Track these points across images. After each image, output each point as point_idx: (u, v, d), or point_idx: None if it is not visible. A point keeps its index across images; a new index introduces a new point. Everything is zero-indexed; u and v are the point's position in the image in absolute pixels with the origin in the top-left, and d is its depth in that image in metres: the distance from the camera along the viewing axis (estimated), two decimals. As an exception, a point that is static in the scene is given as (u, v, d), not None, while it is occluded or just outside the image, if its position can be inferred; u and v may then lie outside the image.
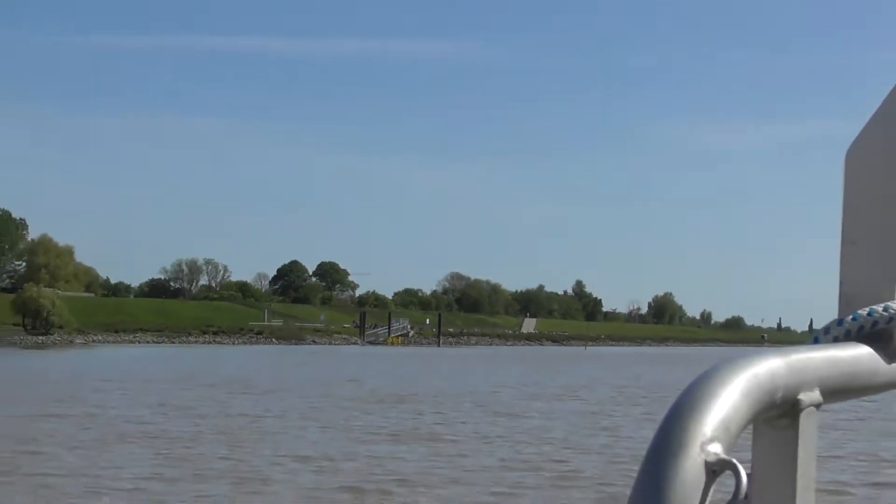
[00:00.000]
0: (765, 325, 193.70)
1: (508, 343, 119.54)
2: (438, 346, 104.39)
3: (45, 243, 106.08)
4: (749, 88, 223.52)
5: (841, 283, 1.24)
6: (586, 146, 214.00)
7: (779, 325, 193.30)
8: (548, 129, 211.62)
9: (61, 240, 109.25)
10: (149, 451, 19.70)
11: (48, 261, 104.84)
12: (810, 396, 1.01)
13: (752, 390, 0.91)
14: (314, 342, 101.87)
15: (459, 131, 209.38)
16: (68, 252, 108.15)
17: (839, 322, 1.18)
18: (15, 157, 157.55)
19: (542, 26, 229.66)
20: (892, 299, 1.21)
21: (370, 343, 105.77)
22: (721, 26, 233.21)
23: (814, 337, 1.18)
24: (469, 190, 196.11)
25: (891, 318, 1.18)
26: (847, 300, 1.23)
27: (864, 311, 1.18)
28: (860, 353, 1.15)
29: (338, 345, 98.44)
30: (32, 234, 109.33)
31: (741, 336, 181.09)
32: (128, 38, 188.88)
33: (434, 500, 14.77)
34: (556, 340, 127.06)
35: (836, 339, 1.17)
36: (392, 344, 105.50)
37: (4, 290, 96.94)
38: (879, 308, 1.17)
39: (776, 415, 0.99)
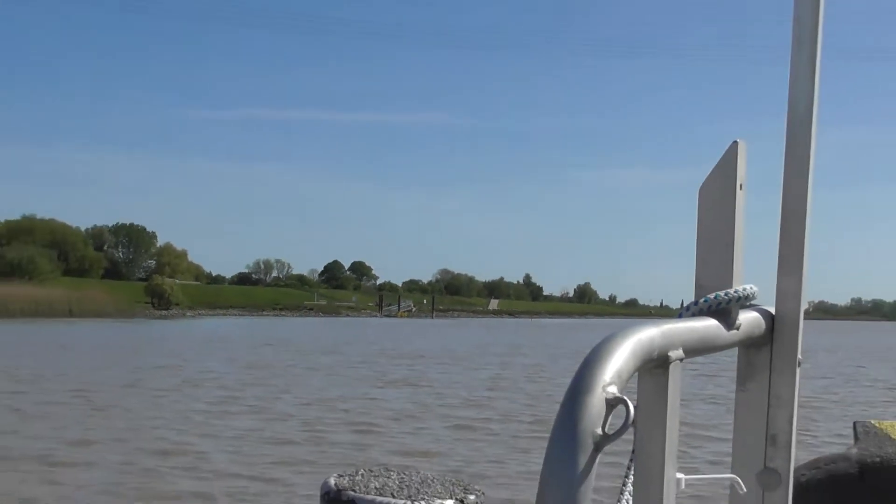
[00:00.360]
0: (651, 304, 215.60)
1: (479, 316, 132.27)
2: (432, 318, 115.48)
3: (168, 248, 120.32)
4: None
5: (697, 278, 1.52)
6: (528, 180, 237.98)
7: (661, 303, 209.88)
8: (500, 168, 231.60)
9: (179, 245, 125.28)
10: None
11: (170, 260, 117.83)
12: (676, 353, 1.24)
13: (637, 349, 1.10)
14: (347, 315, 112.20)
15: (445, 174, 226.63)
16: (184, 254, 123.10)
17: (696, 303, 1.46)
18: (150, 188, 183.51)
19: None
20: (729, 288, 1.49)
21: (386, 316, 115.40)
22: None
23: (679, 313, 1.46)
24: (453, 214, 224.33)
25: (728, 300, 1.47)
26: (700, 289, 1.50)
27: (711, 296, 1.46)
28: (709, 324, 1.42)
29: (363, 317, 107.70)
30: (160, 242, 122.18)
31: (636, 311, 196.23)
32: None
33: (413, 428, 16.02)
34: (511, 314, 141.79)
35: (694, 315, 1.44)
36: (400, 317, 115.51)
37: (140, 279, 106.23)
38: (721, 294, 1.46)
39: (653, 366, 1.21)
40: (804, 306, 1.66)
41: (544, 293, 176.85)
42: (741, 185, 1.48)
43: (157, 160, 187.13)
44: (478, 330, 65.15)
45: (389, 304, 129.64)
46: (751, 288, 1.50)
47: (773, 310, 1.66)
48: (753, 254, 1.58)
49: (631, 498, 1.24)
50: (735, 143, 1.49)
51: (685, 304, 1.47)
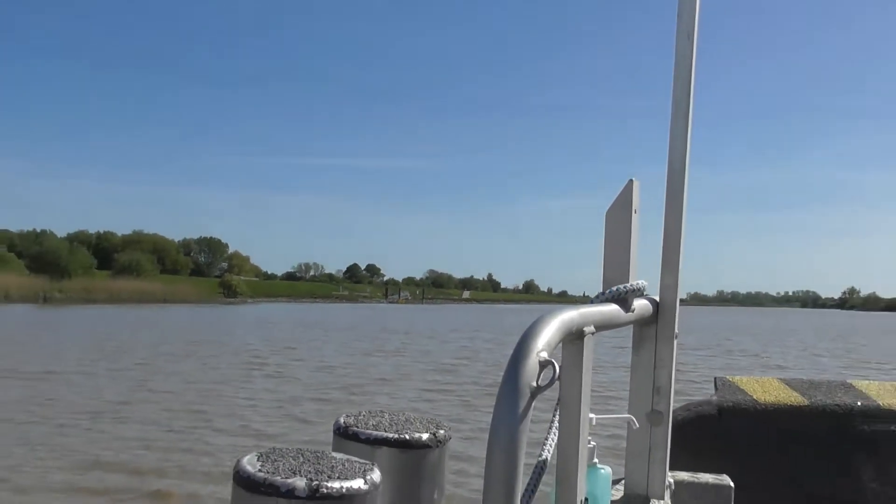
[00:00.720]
0: (576, 295, 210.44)
1: (456, 303, 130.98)
2: (422, 304, 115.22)
3: (236, 255, 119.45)
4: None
5: (604, 275, 1.50)
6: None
7: (583, 294, 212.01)
8: (468, 196, 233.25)
9: (244, 252, 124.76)
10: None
11: (237, 263, 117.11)
12: (589, 329, 1.23)
13: (561, 326, 1.10)
14: (362, 302, 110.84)
15: (429, 201, 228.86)
16: (247, 259, 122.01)
17: (603, 293, 1.44)
18: (227, 212, 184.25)
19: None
20: (627, 283, 1.48)
21: (390, 303, 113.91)
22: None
23: (591, 300, 1.44)
24: (437, 231, 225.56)
25: (626, 291, 1.46)
26: (607, 283, 1.47)
27: (614, 288, 1.45)
28: (613, 308, 1.41)
29: (373, 303, 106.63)
30: (230, 249, 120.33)
31: (565, 300, 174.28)
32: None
33: (392, 389, 14.85)
34: (478, 301, 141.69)
35: (602, 301, 1.42)
36: (400, 303, 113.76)
37: (216, 276, 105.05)
38: (621, 287, 1.45)
39: (573, 338, 1.20)
40: (680, 296, 1.70)
41: (502, 286, 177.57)
42: (635, 210, 1.49)
43: (232, 192, 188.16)
44: (454, 313, 63.92)
45: (392, 294, 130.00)
46: (642, 283, 1.52)
47: (658, 298, 1.69)
48: (644, 258, 1.58)
49: (557, 431, 1.24)
50: (631, 180, 1.50)
51: (596, 294, 1.48)
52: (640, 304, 1.55)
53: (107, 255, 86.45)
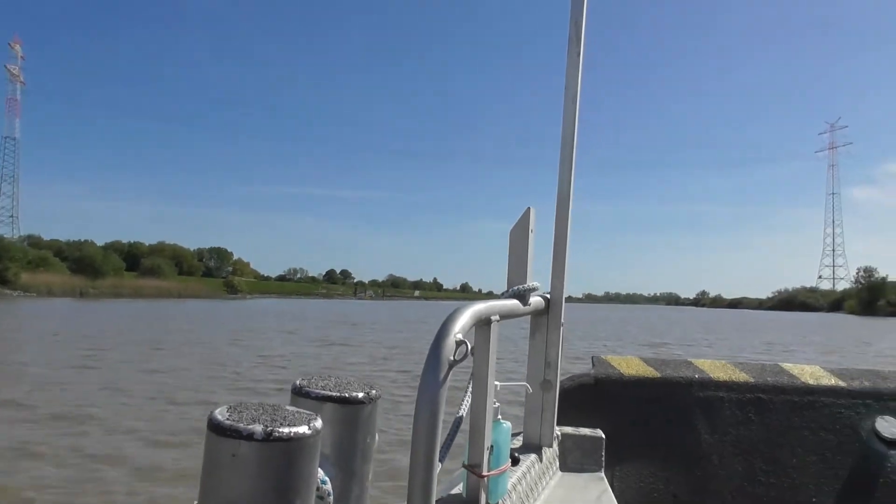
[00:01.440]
0: (498, 292, 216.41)
1: (409, 300, 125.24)
2: (383, 300, 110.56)
3: (239, 261, 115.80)
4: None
5: (508, 277, 1.47)
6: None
7: (479, 290, 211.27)
8: (419, 219, 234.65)
9: (246, 259, 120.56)
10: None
11: (239, 267, 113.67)
12: (495, 317, 1.22)
13: (472, 314, 1.09)
14: (336, 298, 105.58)
15: (387, 223, 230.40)
16: (247, 264, 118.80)
17: (507, 291, 1.44)
18: (234, 226, 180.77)
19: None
20: (525, 283, 1.45)
21: (358, 299, 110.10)
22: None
23: (498, 296, 1.43)
24: (395, 246, 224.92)
25: (524, 290, 1.44)
26: (510, 283, 1.45)
27: (515, 287, 1.44)
28: (514, 302, 1.40)
29: (346, 300, 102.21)
30: (235, 257, 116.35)
31: (490, 297, 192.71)
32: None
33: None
34: (427, 299, 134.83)
35: (506, 297, 1.41)
36: (366, 300, 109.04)
37: (222, 278, 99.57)
38: (521, 286, 1.44)
39: (483, 323, 1.19)
40: (573, 295, 1.70)
41: (444, 287, 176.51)
42: (532, 230, 1.48)
43: (239, 214, 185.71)
44: (407, 309, 61.01)
45: (360, 293, 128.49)
46: (536, 283, 1.51)
47: (549, 295, 1.68)
48: (539, 264, 1.56)
49: (471, 395, 1.24)
50: (528, 208, 1.49)
51: (502, 292, 1.49)
52: (535, 300, 1.55)
53: (136, 260, 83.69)
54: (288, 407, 0.71)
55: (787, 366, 2.27)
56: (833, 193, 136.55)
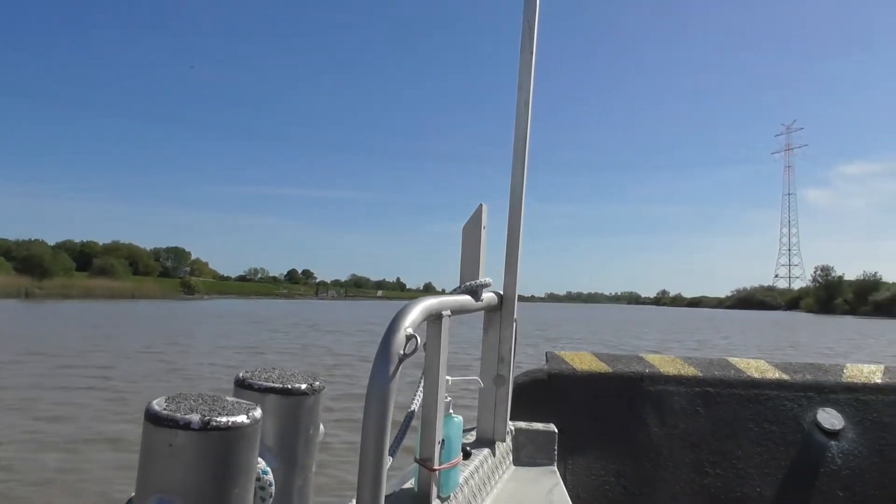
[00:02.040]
0: (438, 288, 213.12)
1: (372, 300, 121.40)
2: (345, 300, 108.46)
3: (197, 261, 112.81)
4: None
5: (461, 273, 1.48)
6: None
7: (443, 290, 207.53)
8: (382, 220, 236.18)
9: (204, 258, 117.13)
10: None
11: (198, 267, 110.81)
12: (446, 312, 1.23)
13: (423, 309, 1.11)
14: (297, 299, 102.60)
15: (351, 223, 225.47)
16: (206, 264, 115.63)
17: (460, 286, 1.44)
18: (192, 227, 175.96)
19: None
20: (477, 279, 1.46)
21: (319, 299, 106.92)
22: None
23: (450, 292, 1.44)
24: (358, 245, 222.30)
25: (477, 286, 1.45)
26: (462, 278, 1.46)
27: (468, 283, 1.44)
28: (466, 298, 1.41)
29: (307, 299, 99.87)
30: (193, 256, 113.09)
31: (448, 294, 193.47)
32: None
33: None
34: (390, 299, 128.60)
35: (459, 292, 1.43)
36: (327, 300, 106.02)
37: (179, 278, 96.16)
38: (473, 281, 1.45)
39: (434, 318, 1.20)
40: (518, 290, 1.69)
41: (407, 287, 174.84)
42: (484, 227, 1.49)
43: (199, 213, 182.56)
44: (368, 308, 59.06)
45: (322, 293, 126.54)
46: (489, 279, 1.51)
47: (501, 291, 1.69)
48: (492, 260, 1.56)
49: (423, 390, 1.25)
50: (481, 205, 1.50)
51: (454, 288, 1.49)
52: (487, 296, 1.56)
53: (89, 260, 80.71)
54: (228, 398, 0.71)
55: (733, 360, 2.35)
56: (789, 194, 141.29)
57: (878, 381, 2.26)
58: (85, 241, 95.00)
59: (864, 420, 2.20)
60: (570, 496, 1.71)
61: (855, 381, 2.26)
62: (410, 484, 1.29)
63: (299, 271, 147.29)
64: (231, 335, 20.11)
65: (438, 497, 1.27)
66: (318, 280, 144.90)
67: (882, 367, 2.33)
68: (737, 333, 29.71)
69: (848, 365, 2.34)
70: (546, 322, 36.28)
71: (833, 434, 2.18)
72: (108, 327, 22.21)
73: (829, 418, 2.20)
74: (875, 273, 79.23)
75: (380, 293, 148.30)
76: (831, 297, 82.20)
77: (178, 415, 0.64)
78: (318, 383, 0.83)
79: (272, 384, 0.80)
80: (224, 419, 0.65)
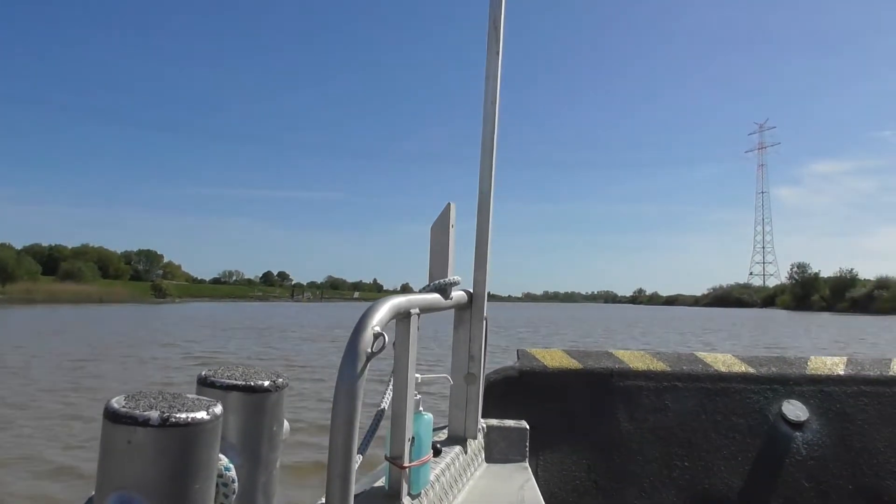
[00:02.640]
0: (416, 288, 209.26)
1: (349, 301, 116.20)
2: (321, 302, 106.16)
3: (170, 264, 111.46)
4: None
5: (430, 271, 1.49)
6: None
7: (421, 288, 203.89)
8: (359, 222, 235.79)
9: (176, 261, 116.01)
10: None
11: (170, 270, 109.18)
12: (415, 311, 1.24)
13: (391, 307, 1.12)
14: (272, 301, 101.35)
15: (330, 224, 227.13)
16: (179, 267, 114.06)
17: (429, 285, 1.45)
18: (164, 229, 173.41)
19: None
20: (446, 277, 1.47)
21: (295, 301, 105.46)
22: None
23: (419, 290, 1.44)
24: (334, 245, 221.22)
25: (446, 284, 1.46)
26: (431, 277, 1.48)
27: (437, 281, 1.45)
28: (435, 296, 1.42)
29: (283, 302, 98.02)
30: (166, 259, 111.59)
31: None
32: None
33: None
34: (367, 300, 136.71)
35: (428, 291, 1.44)
36: (303, 302, 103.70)
37: (150, 282, 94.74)
38: (442, 280, 1.46)
39: (402, 317, 1.20)
40: (487, 288, 1.71)
41: (385, 288, 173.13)
42: (452, 225, 1.50)
43: (168, 216, 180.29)
44: (342, 310, 55.99)
45: (297, 295, 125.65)
46: (458, 277, 1.52)
47: (471, 289, 1.70)
48: (461, 259, 1.58)
49: (392, 388, 1.26)
50: (449, 203, 1.51)
51: (423, 286, 1.49)
52: (457, 294, 1.57)
53: (57, 264, 78.96)
54: (189, 395, 0.71)
55: (701, 354, 2.40)
56: (762, 192, 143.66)
57: (841, 372, 2.34)
58: (53, 244, 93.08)
59: (827, 411, 2.27)
60: (542, 492, 1.73)
61: (819, 373, 2.33)
62: (382, 482, 1.30)
63: (275, 273, 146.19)
64: (165, 348, 17.12)
65: (409, 494, 1.28)
66: (293, 282, 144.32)
67: (845, 358, 2.41)
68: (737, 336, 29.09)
69: (812, 357, 2.41)
70: (519, 321, 35.48)
71: (798, 425, 2.24)
72: (48, 335, 20.56)
73: (794, 410, 2.27)
74: (851, 269, 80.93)
75: (356, 295, 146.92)
76: (807, 293, 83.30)
77: (137, 412, 0.64)
78: (281, 380, 0.84)
79: (235, 381, 0.81)
80: (184, 415, 0.65)
